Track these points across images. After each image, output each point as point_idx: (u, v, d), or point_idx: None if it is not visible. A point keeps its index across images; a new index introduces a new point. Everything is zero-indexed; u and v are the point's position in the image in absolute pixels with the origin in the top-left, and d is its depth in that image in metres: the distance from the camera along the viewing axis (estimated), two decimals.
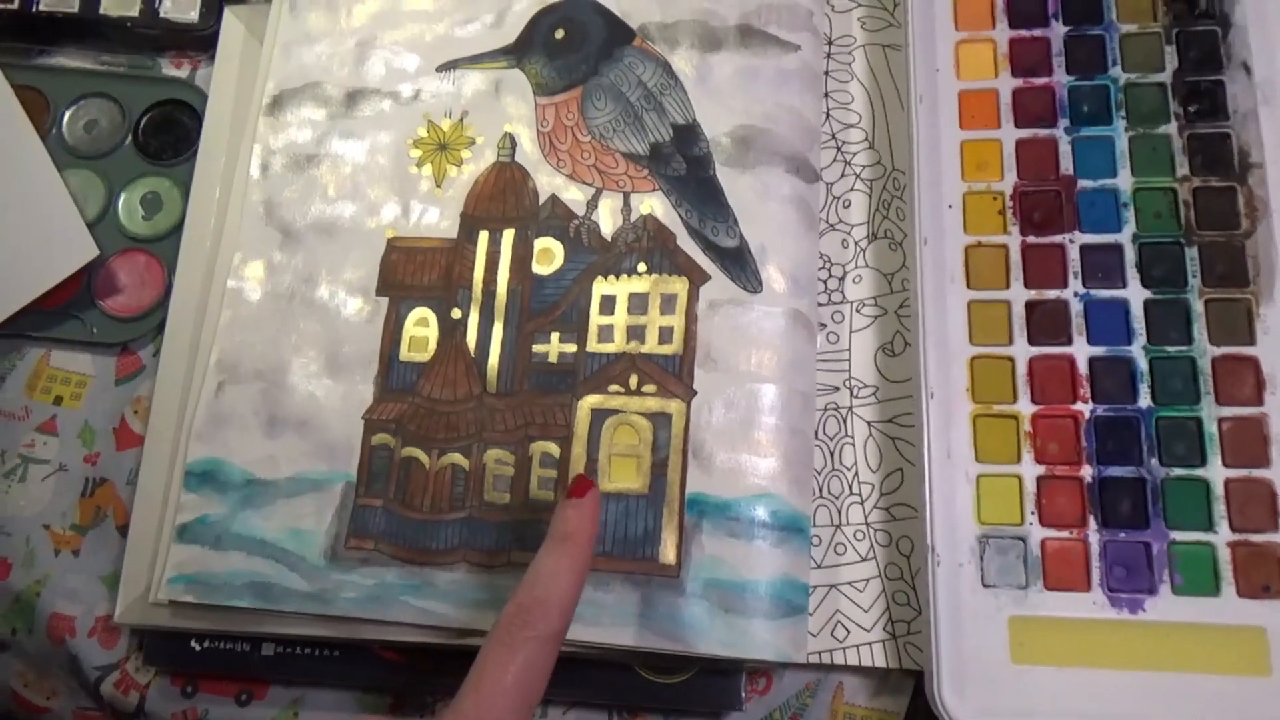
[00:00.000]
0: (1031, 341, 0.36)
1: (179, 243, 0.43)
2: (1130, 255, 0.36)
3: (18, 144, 0.43)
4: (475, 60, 0.42)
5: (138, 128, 0.45)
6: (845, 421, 0.39)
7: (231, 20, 0.45)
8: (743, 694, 0.36)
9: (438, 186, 0.41)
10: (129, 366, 0.43)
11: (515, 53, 0.42)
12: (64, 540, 0.41)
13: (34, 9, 0.46)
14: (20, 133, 0.44)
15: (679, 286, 0.38)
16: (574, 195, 0.40)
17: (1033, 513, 0.34)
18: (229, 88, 0.44)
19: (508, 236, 0.40)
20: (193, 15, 0.46)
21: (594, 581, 0.35)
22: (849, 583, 0.37)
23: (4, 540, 0.41)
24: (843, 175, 0.41)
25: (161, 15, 0.46)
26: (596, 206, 0.40)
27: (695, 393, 0.37)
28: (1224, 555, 0.33)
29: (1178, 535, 0.34)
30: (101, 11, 0.46)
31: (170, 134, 0.46)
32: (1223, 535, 0.33)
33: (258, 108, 0.43)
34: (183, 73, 0.47)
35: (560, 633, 0.29)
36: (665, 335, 0.38)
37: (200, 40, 0.46)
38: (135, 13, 0.46)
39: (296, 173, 0.42)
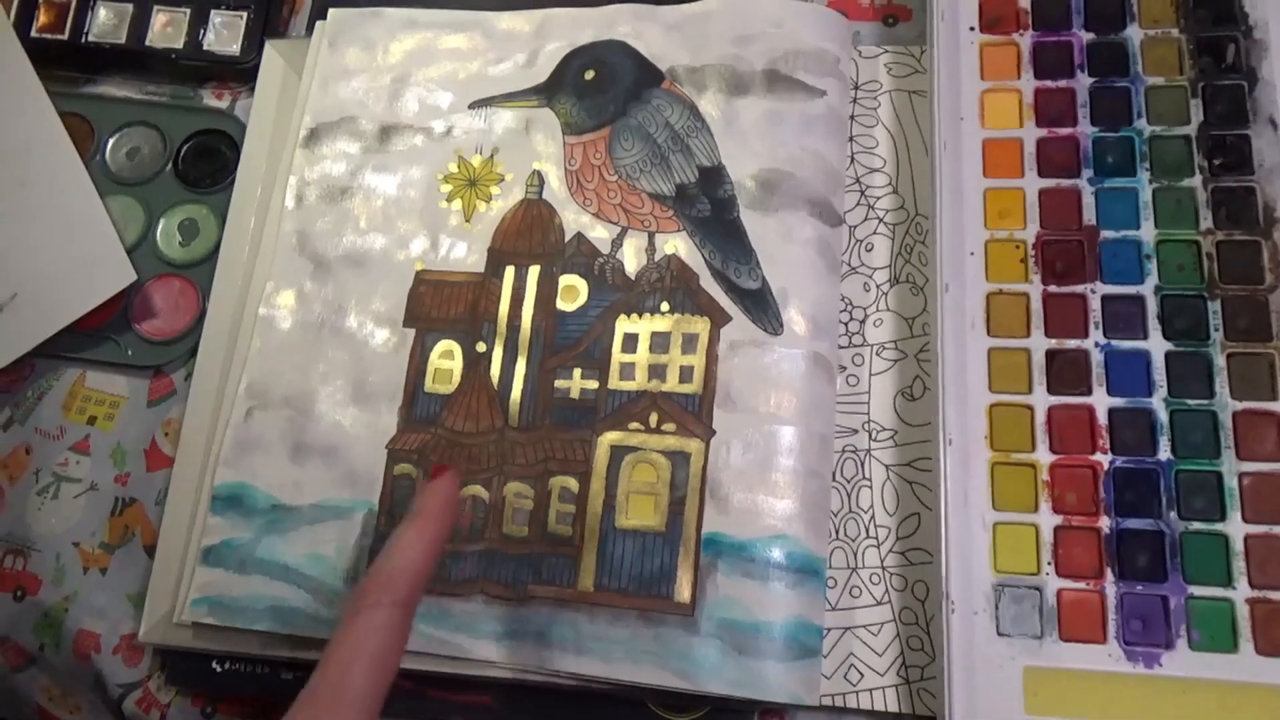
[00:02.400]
0: (1051, 390, 0.36)
1: (214, 269, 0.44)
2: (1152, 307, 0.36)
3: (62, 170, 0.45)
4: (506, 99, 0.43)
5: (178, 156, 0.47)
6: (863, 464, 0.39)
7: (272, 54, 0.46)
8: None
9: (466, 221, 0.42)
10: (161, 389, 0.44)
11: (546, 92, 0.43)
12: (93, 558, 0.42)
13: (83, 40, 0.48)
14: (65, 159, 0.45)
15: (700, 326, 0.39)
16: (599, 234, 0.41)
17: (1049, 562, 0.34)
18: (267, 119, 0.46)
19: (533, 272, 0.41)
20: (235, 48, 0.47)
21: (608, 617, 0.36)
22: (863, 626, 0.37)
23: (35, 556, 0.42)
24: (866, 219, 0.42)
25: (205, 48, 0.47)
26: (621, 245, 0.40)
27: (714, 432, 0.37)
28: (1243, 612, 0.33)
29: (1196, 590, 0.33)
30: (148, 43, 0.47)
31: (209, 163, 0.47)
32: (1241, 591, 0.33)
33: (294, 139, 0.44)
34: (223, 104, 0.48)
35: (412, 599, 0.29)
36: (686, 374, 0.38)
37: (241, 72, 0.47)
38: (180, 45, 0.47)
39: (330, 204, 0.43)
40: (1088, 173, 0.38)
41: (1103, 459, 0.35)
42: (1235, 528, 0.34)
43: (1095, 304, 0.37)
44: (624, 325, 0.39)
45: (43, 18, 0.48)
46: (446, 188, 0.42)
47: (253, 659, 0.39)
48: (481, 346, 0.40)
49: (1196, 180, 0.37)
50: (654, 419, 0.38)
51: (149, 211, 0.46)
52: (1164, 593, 0.33)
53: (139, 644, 0.40)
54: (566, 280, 0.40)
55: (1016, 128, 0.39)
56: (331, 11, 0.46)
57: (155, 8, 0.47)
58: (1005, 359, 0.37)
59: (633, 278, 0.40)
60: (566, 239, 0.41)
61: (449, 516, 0.32)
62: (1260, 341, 0.35)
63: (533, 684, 0.36)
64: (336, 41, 0.45)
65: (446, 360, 0.40)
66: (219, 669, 0.39)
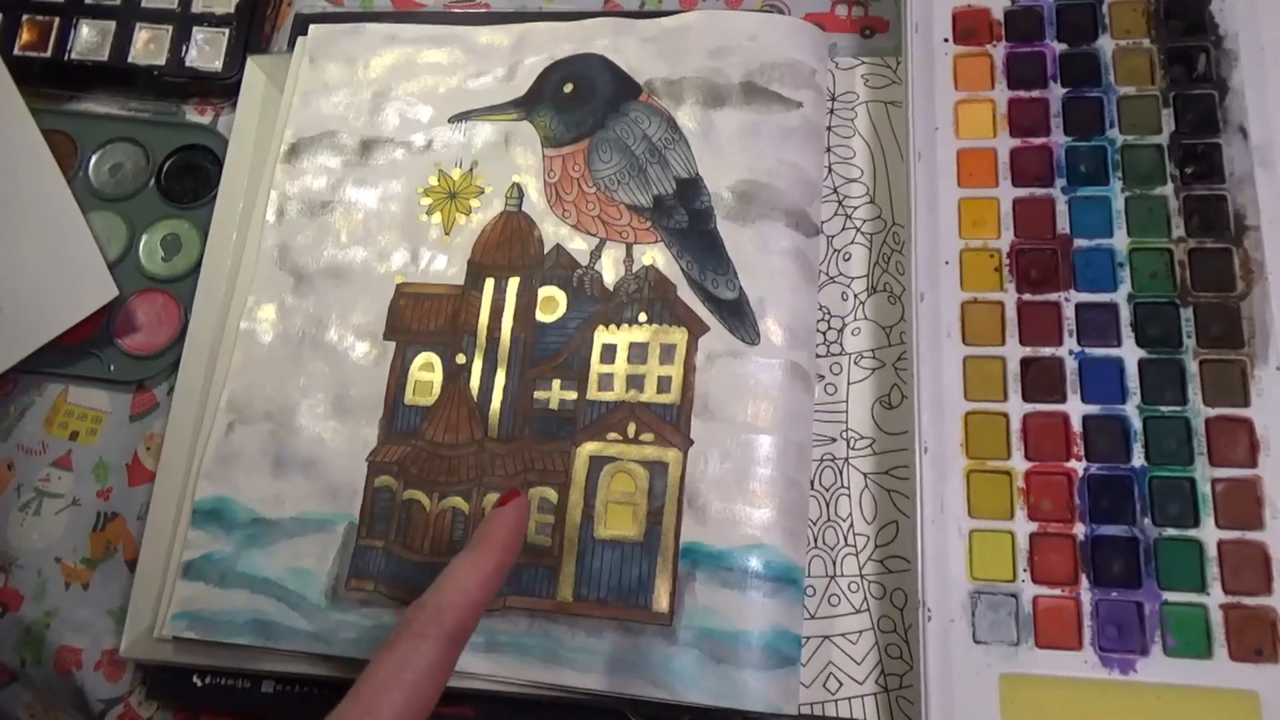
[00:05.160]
0: (1026, 398, 0.36)
1: (196, 284, 0.44)
2: (1125, 314, 0.36)
3: (44, 186, 0.45)
4: (486, 112, 0.43)
5: (161, 171, 0.47)
6: (841, 473, 0.39)
7: (254, 70, 0.47)
8: None
9: (446, 234, 0.42)
10: (144, 404, 0.44)
11: (525, 105, 0.43)
12: (74, 573, 0.42)
13: (66, 57, 0.48)
14: (47, 176, 0.45)
15: (678, 337, 0.39)
16: (578, 245, 0.41)
17: (1025, 569, 0.35)
18: (249, 134, 0.46)
19: (513, 284, 0.41)
20: (217, 64, 0.47)
21: (587, 628, 0.36)
22: (842, 634, 0.37)
23: (17, 572, 0.42)
24: (844, 228, 0.42)
25: (187, 64, 0.47)
26: (600, 256, 0.41)
27: (692, 442, 0.37)
28: (1216, 618, 0.33)
29: (1170, 596, 0.34)
30: (130, 60, 0.48)
31: (192, 178, 0.47)
32: (1215, 597, 0.33)
33: (276, 154, 0.45)
34: (206, 119, 0.48)
35: (461, 634, 0.29)
36: (664, 385, 0.38)
37: (223, 88, 0.48)
38: (162, 61, 0.47)
39: (310, 218, 0.43)
40: (1061, 182, 0.38)
41: (1077, 466, 0.35)
42: (1209, 533, 0.34)
43: (1069, 312, 0.37)
44: (602, 336, 0.39)
45: (25, 35, 0.48)
46: (426, 201, 0.43)
47: (234, 673, 0.39)
48: (461, 358, 0.40)
49: (1168, 189, 0.38)
50: (632, 429, 0.38)
51: (132, 227, 0.46)
52: (1139, 599, 0.34)
53: (120, 659, 0.40)
54: (545, 292, 0.41)
55: (990, 138, 0.39)
56: (312, 27, 0.46)
57: (138, 25, 0.48)
58: (980, 367, 0.37)
59: (611, 289, 0.40)
60: (545, 251, 0.41)
61: (513, 547, 0.31)
62: (1232, 348, 0.36)
63: (513, 695, 0.36)
64: (317, 57, 0.46)
65: (426, 372, 0.40)
66: (200, 683, 0.39)
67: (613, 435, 0.38)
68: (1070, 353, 0.36)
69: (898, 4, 0.43)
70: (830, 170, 0.42)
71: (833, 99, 0.43)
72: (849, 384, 0.40)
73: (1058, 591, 0.34)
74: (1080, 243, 0.38)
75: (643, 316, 0.39)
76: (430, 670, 0.28)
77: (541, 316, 0.40)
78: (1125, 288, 0.37)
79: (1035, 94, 0.40)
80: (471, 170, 0.43)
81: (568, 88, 0.43)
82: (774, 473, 0.37)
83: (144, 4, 0.48)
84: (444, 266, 0.42)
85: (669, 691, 0.35)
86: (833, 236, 0.42)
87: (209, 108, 0.49)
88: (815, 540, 0.38)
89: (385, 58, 0.45)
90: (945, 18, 0.41)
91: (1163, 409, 0.35)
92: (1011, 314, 0.37)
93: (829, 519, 0.38)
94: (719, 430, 0.37)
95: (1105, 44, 0.40)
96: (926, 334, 0.37)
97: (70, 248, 0.44)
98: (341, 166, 0.44)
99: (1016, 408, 0.36)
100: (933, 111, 0.40)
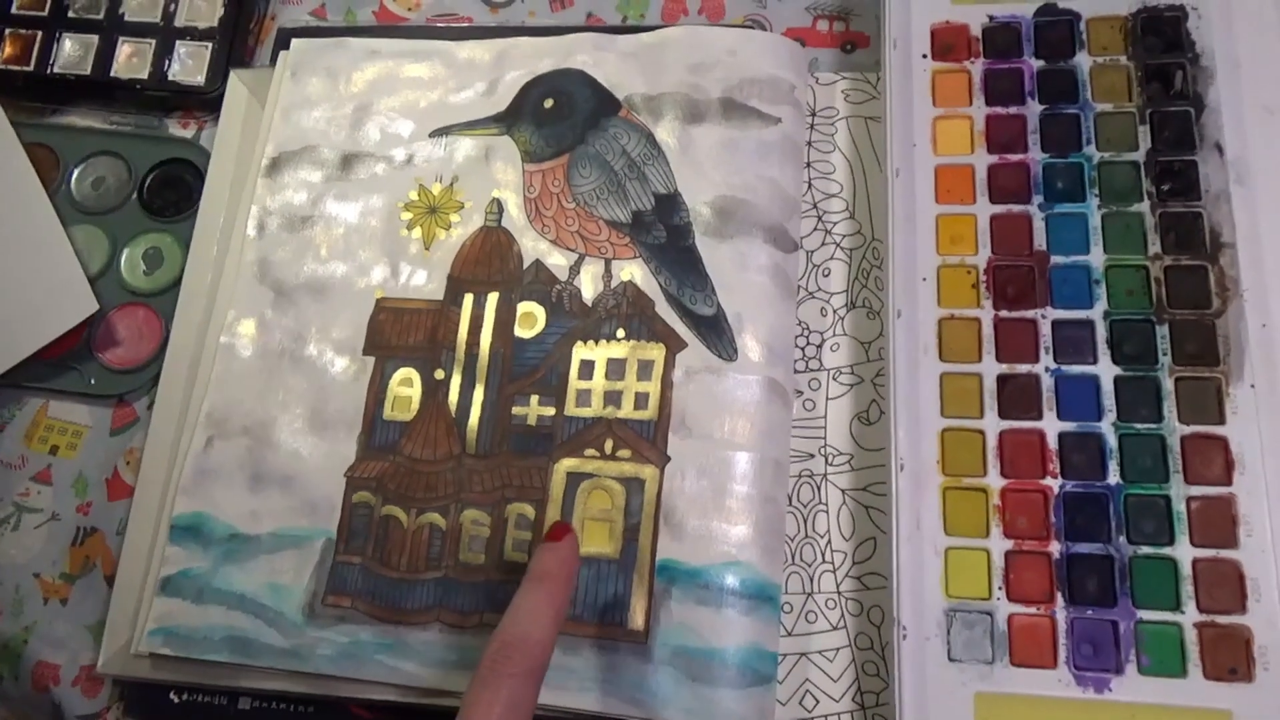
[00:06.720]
0: (1002, 415, 0.36)
1: (178, 297, 0.44)
2: (1101, 332, 0.36)
3: (25, 200, 0.45)
4: (467, 127, 0.43)
5: (143, 185, 0.47)
6: (819, 489, 0.39)
7: (236, 84, 0.47)
8: None
9: (426, 249, 0.42)
10: (124, 418, 0.44)
11: (505, 120, 0.43)
12: (53, 589, 0.42)
13: (49, 70, 0.48)
14: (28, 189, 0.45)
15: (656, 353, 0.39)
16: (557, 261, 0.41)
17: (1000, 587, 0.35)
18: (231, 149, 0.46)
19: (492, 299, 0.41)
20: (199, 78, 0.47)
21: (562, 645, 0.35)
22: (819, 651, 0.37)
23: None
24: (823, 244, 0.42)
25: (170, 78, 0.47)
26: (579, 272, 0.41)
27: (669, 459, 0.37)
28: (1191, 636, 0.33)
29: (1145, 615, 0.34)
30: (113, 74, 0.48)
31: (174, 192, 0.47)
32: (1190, 616, 0.33)
33: (257, 169, 0.45)
34: (188, 133, 0.48)
35: (541, 669, 0.30)
36: (641, 401, 0.38)
37: (206, 102, 0.48)
38: (145, 75, 0.47)
39: (291, 233, 0.43)
40: (1038, 198, 0.38)
41: (1053, 483, 0.35)
42: (1184, 552, 0.34)
43: (1045, 329, 0.37)
44: (581, 352, 0.39)
45: (8, 49, 0.48)
46: (407, 215, 0.43)
47: (211, 689, 0.39)
48: (440, 374, 0.40)
49: (1144, 205, 0.38)
50: (609, 445, 0.38)
51: (114, 241, 0.46)
52: (1113, 617, 0.34)
53: (98, 675, 0.40)
54: (524, 307, 0.41)
55: (968, 154, 0.39)
56: (295, 41, 0.46)
57: (120, 39, 0.48)
58: (957, 384, 0.37)
59: (590, 304, 0.40)
60: (525, 266, 0.41)
61: (573, 580, 0.32)
62: (1207, 365, 0.36)
63: None
64: (299, 71, 0.46)
65: (405, 387, 0.40)
66: (177, 700, 0.39)
67: (590, 451, 0.38)
68: (1046, 370, 0.36)
69: (879, 19, 0.43)
70: (810, 185, 0.43)
71: (813, 114, 0.43)
72: (827, 400, 0.40)
73: (1033, 610, 0.34)
74: (1057, 259, 0.38)
75: (621, 332, 0.39)
76: (530, 706, 0.29)
77: (520, 332, 0.40)
78: (1101, 305, 0.37)
79: (1013, 110, 0.40)
80: (452, 185, 0.43)
81: (548, 103, 0.43)
82: (751, 490, 0.37)
83: (127, 18, 0.48)
84: (423, 281, 0.42)
85: (644, 710, 0.34)
86: (812, 252, 0.42)
87: (191, 121, 0.49)
88: (792, 557, 0.38)
89: (367, 72, 0.45)
90: (924, 33, 0.41)
91: (1138, 426, 0.35)
92: (988, 331, 0.37)
93: (806, 535, 0.38)
94: (696, 447, 0.37)
95: (1083, 61, 0.40)
96: (903, 350, 0.37)
97: (51, 261, 0.44)
98: (322, 181, 0.44)
99: (993, 425, 0.36)
100: (911, 127, 0.40)
